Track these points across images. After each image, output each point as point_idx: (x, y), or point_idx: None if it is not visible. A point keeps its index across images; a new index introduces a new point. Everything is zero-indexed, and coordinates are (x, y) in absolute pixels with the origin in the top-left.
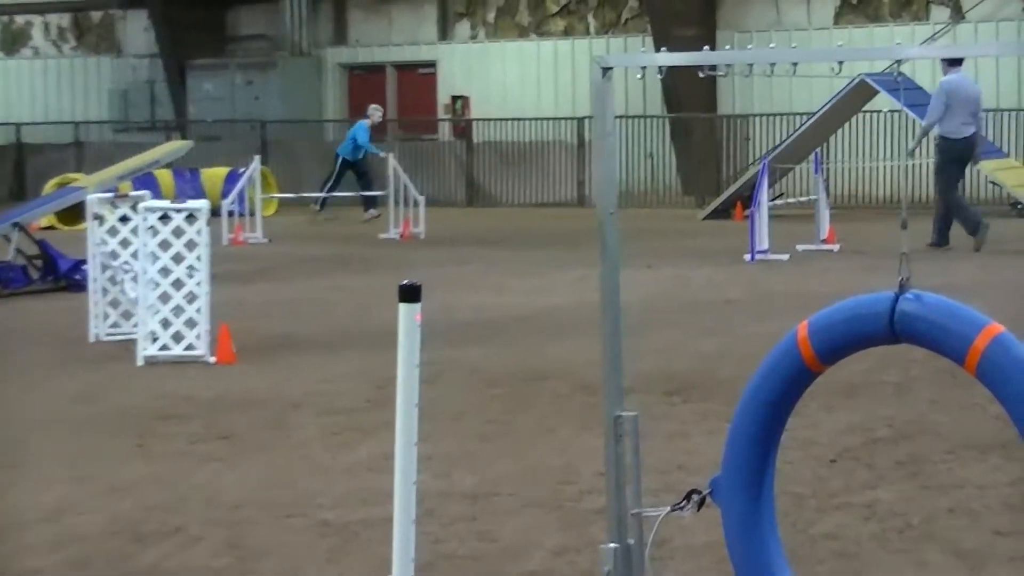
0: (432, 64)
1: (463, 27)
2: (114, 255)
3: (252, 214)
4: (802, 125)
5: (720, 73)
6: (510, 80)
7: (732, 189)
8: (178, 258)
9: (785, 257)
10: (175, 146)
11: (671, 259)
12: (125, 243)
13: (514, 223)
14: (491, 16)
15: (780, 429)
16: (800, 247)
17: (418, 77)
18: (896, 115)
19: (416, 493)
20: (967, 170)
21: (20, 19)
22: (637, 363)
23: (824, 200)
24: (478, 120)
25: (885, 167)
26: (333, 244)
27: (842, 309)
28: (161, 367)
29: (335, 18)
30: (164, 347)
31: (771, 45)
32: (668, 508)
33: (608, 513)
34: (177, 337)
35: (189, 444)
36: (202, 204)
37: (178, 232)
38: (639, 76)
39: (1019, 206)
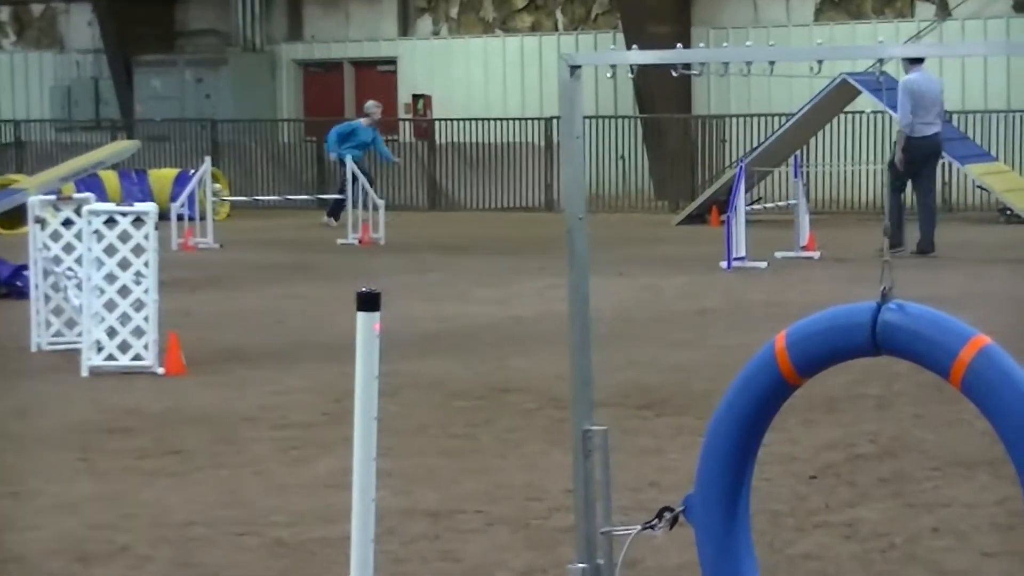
0: (392, 61)
1: (425, 23)
2: (57, 260)
3: (203, 218)
4: (781, 127)
5: (694, 72)
6: (474, 78)
7: (708, 193)
8: (124, 264)
9: (763, 265)
10: (121, 146)
11: (644, 267)
12: (68, 248)
13: (479, 229)
14: (454, 11)
15: (757, 444)
16: (779, 254)
17: (377, 75)
18: (879, 116)
19: (376, 511)
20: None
21: None
22: (608, 376)
23: (804, 205)
24: (441, 120)
25: (868, 171)
26: (288, 250)
27: (822, 319)
28: (107, 378)
29: (289, 12)
30: (110, 357)
31: (747, 43)
32: (639, 527)
33: (577, 532)
34: (124, 347)
35: (137, 459)
36: (150, 207)
37: (124, 236)
38: (609, 75)
39: (1008, 212)
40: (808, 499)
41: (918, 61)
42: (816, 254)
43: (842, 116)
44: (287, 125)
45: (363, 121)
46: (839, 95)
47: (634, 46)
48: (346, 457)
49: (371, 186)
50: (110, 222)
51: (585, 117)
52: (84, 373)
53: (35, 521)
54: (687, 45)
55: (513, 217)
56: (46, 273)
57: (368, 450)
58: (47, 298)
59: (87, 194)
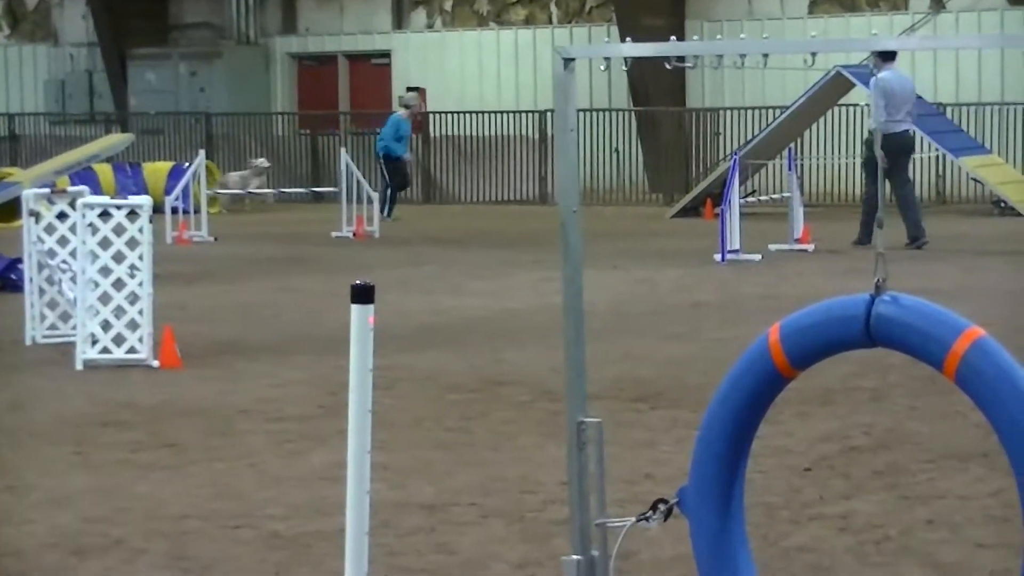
0: (386, 54)
1: (419, 16)
2: (51, 254)
3: (197, 211)
4: (775, 119)
5: (688, 65)
6: (468, 71)
7: (702, 186)
8: (119, 257)
9: (757, 258)
10: (115, 139)
11: (638, 260)
12: (63, 241)
13: (473, 222)
14: (448, 4)
15: (751, 437)
16: (773, 247)
17: (371, 68)
18: None
19: (370, 503)
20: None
21: None
22: (602, 368)
23: (798, 198)
24: (435, 113)
25: (862, 163)
26: (283, 244)
27: (815, 312)
28: (101, 372)
29: (284, 5)
30: (104, 350)
31: (741, 36)
32: (633, 519)
33: (571, 524)
34: (118, 340)
35: (131, 453)
36: (144, 200)
37: (119, 230)
38: (603, 68)
39: (1002, 204)
40: (803, 491)
41: (890, 58)
42: (810, 247)
43: (836, 109)
44: (281, 118)
45: (402, 113)
46: (833, 88)
47: (628, 39)
48: (341, 450)
49: (407, 183)
50: (104, 215)
51: (579, 110)
52: (78, 366)
53: (30, 515)
54: (681, 38)
55: (507, 210)
56: (40, 266)
57: (363, 443)
58: (41, 291)
59: (81, 187)
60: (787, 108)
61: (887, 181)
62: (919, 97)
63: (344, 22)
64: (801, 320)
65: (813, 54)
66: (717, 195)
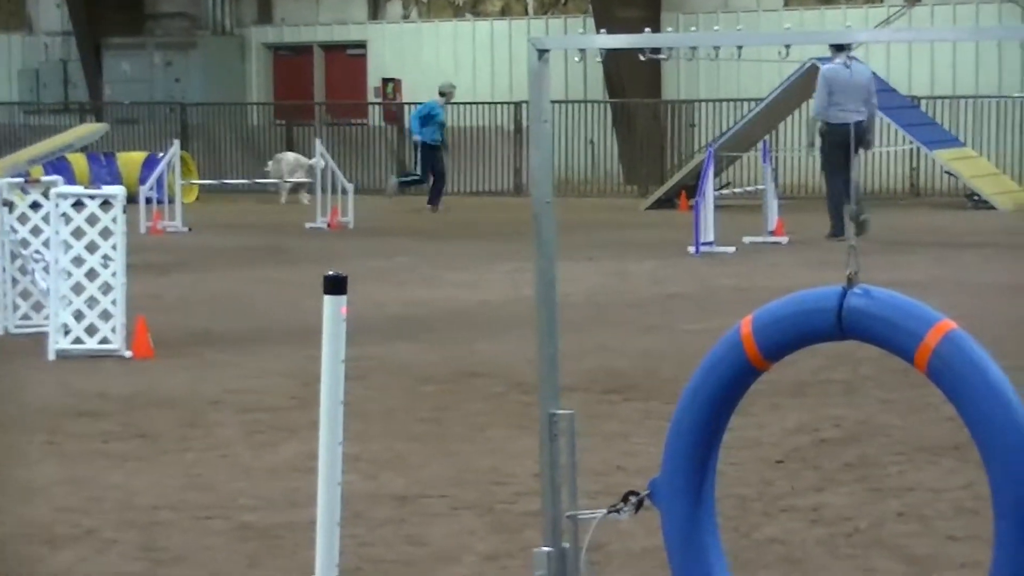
0: (362, 45)
1: (395, 6)
2: (24, 243)
3: (171, 201)
4: (750, 112)
5: (662, 56)
6: (444, 62)
7: (676, 178)
8: (92, 247)
9: (731, 250)
10: (90, 129)
11: (612, 251)
12: (36, 231)
13: (447, 213)
14: None
15: (722, 429)
16: (747, 239)
17: (347, 59)
18: None
19: (342, 495)
20: (862, 157)
21: None
22: (576, 360)
23: (772, 190)
24: (410, 104)
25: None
26: (257, 234)
27: (787, 304)
28: (74, 362)
29: None
30: (77, 340)
31: (715, 28)
32: (604, 511)
33: (542, 516)
34: (91, 330)
35: (103, 443)
36: (118, 190)
37: (92, 219)
38: (577, 59)
39: (976, 198)
40: (774, 483)
41: (843, 49)
42: (784, 239)
43: (811, 101)
44: (256, 108)
45: (439, 100)
46: (808, 80)
47: (603, 30)
48: (313, 441)
49: (425, 175)
50: (78, 205)
51: (554, 101)
52: (51, 356)
53: (2, 505)
54: (657, 30)
55: (482, 201)
56: (13, 256)
57: (334, 434)
58: (14, 281)
59: (55, 177)
60: (762, 100)
61: (832, 169)
62: (892, 90)
63: (320, 12)
64: (773, 312)
65: (787, 46)
66: (692, 187)
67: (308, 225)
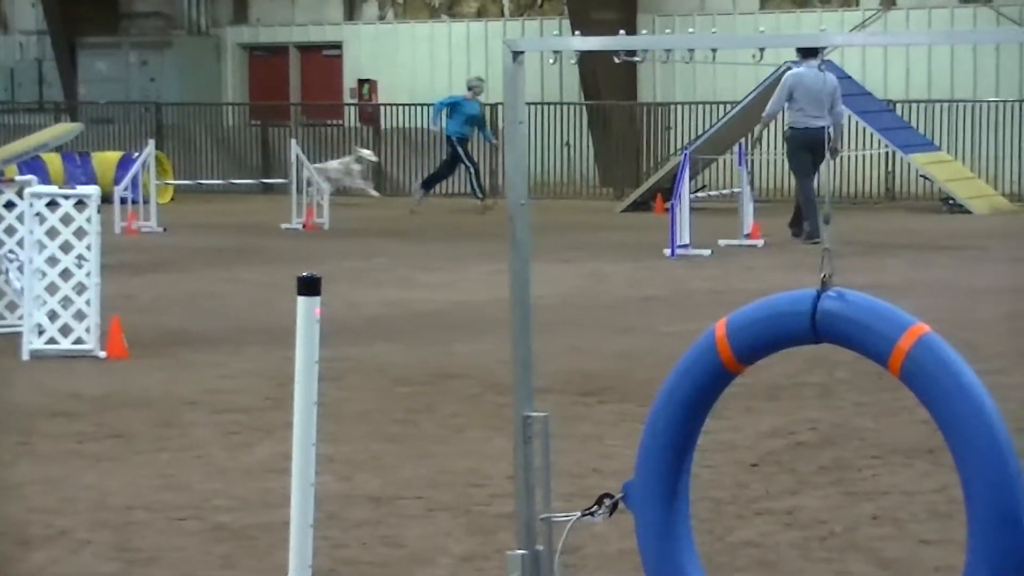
0: (338, 46)
1: (371, 7)
2: None
3: (146, 201)
4: (726, 115)
5: (637, 59)
6: (420, 64)
7: (652, 181)
8: (67, 247)
9: (707, 252)
10: (64, 129)
11: (588, 254)
12: (10, 230)
13: (423, 214)
14: None
15: (696, 432)
16: (723, 242)
17: (323, 59)
18: None
19: (317, 496)
20: (827, 162)
21: None
22: (551, 362)
23: (748, 193)
24: (386, 105)
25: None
26: (232, 235)
27: (762, 307)
28: (48, 362)
29: None
30: (51, 341)
31: (690, 30)
32: (579, 513)
33: (516, 518)
34: (65, 330)
35: (77, 443)
36: (93, 190)
37: (67, 219)
38: (552, 61)
39: (951, 201)
40: (749, 487)
41: (812, 55)
42: (760, 242)
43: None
44: (232, 109)
45: (466, 95)
46: None
47: (577, 32)
48: (288, 442)
49: (476, 169)
50: (52, 205)
51: (530, 103)
52: (25, 356)
53: None
54: (632, 32)
55: (458, 203)
56: None
57: (308, 435)
58: None
59: (29, 176)
60: (738, 103)
61: (800, 173)
62: (867, 93)
63: (296, 13)
64: (747, 315)
65: (761, 49)
66: (667, 190)
67: (283, 226)
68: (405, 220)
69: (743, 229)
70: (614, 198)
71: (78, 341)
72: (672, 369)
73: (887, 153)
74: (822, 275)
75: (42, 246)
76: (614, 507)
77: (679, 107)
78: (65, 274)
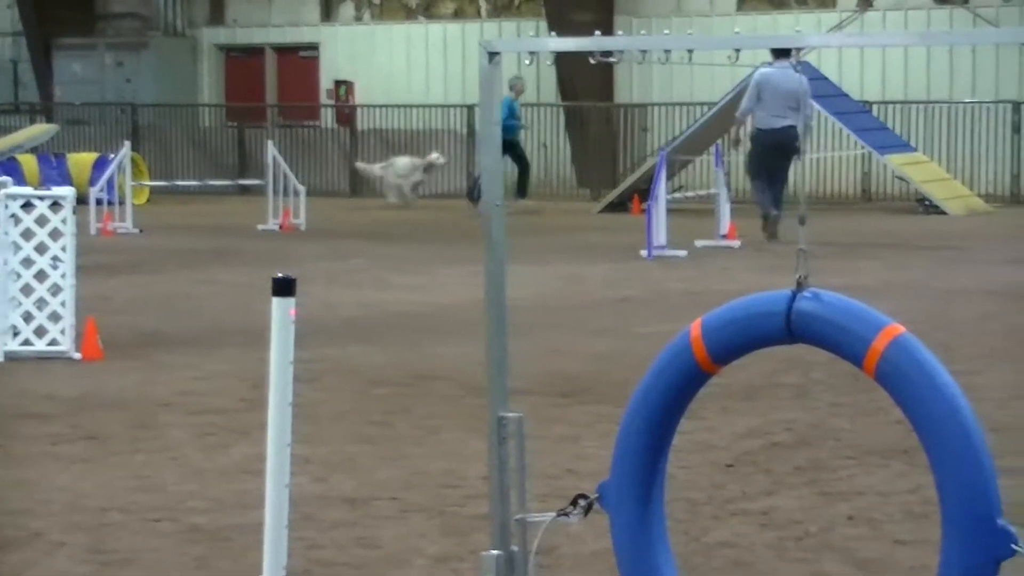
0: (314, 47)
1: (347, 8)
2: None
3: (122, 203)
4: (703, 116)
5: (613, 60)
6: (397, 65)
7: (629, 182)
8: (42, 248)
9: (683, 253)
10: (40, 130)
11: (565, 255)
12: None
13: (400, 215)
14: None
15: (671, 432)
16: (699, 243)
17: (299, 60)
18: None
19: (292, 497)
20: (798, 163)
21: None
22: (528, 363)
23: (725, 194)
24: (363, 106)
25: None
26: (208, 236)
27: (737, 307)
28: (23, 363)
29: None
30: (26, 342)
31: (665, 31)
32: (553, 514)
33: (491, 519)
34: (40, 332)
35: (52, 445)
36: (68, 191)
37: (42, 220)
38: (528, 62)
39: (926, 203)
40: (725, 487)
41: (783, 55)
42: (736, 243)
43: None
44: (208, 110)
45: (510, 95)
46: None
47: (553, 33)
48: (263, 443)
49: (527, 167)
50: (27, 206)
51: None
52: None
53: None
54: (609, 33)
55: (435, 204)
56: None
57: (283, 436)
58: None
59: (4, 178)
60: (715, 105)
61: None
62: (844, 94)
63: (272, 14)
64: (722, 316)
65: (737, 50)
66: (644, 191)
67: (260, 227)
68: (381, 222)
69: (720, 230)
70: (591, 199)
71: (53, 343)
72: (647, 370)
73: (863, 154)
74: (797, 276)
75: (17, 247)
76: (589, 508)
77: (656, 108)
78: (40, 275)
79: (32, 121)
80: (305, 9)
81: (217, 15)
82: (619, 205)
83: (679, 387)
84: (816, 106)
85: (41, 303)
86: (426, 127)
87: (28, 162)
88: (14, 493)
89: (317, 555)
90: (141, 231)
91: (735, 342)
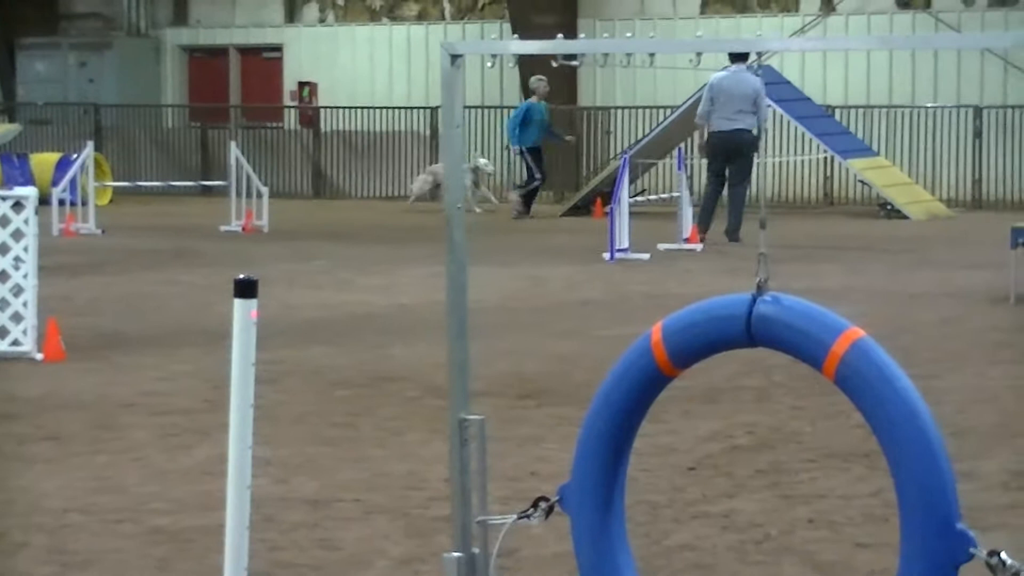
0: (278, 48)
1: (311, 9)
2: None
3: (84, 203)
4: (666, 119)
5: (574, 63)
6: (360, 66)
7: (592, 185)
8: (3, 248)
9: (646, 257)
10: (3, 130)
11: (527, 257)
12: None
13: (363, 217)
14: None
15: (632, 435)
16: (661, 246)
17: (263, 61)
18: None
19: (253, 498)
20: (752, 163)
21: None
22: (490, 365)
23: (687, 198)
24: (326, 108)
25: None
26: (171, 237)
27: (697, 311)
28: None
29: None
30: None
31: (627, 34)
32: (515, 516)
33: (453, 521)
34: (2, 332)
35: (14, 445)
36: (30, 191)
37: (4, 221)
38: (490, 65)
39: (888, 207)
40: (686, 490)
41: (741, 58)
42: (698, 246)
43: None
44: (171, 111)
45: (533, 99)
46: None
47: (516, 36)
48: (225, 444)
49: (543, 175)
50: None
51: (470, 107)
52: None
53: None
54: (573, 36)
55: (398, 206)
56: None
57: (244, 437)
58: None
59: None
60: (678, 108)
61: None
62: (807, 99)
63: (236, 15)
64: (683, 319)
65: (699, 54)
66: (607, 194)
67: (223, 228)
68: (344, 223)
69: (682, 233)
70: (554, 202)
71: (15, 343)
72: (609, 373)
73: (825, 158)
74: (758, 279)
75: None
76: (550, 510)
77: (619, 111)
78: (2, 276)
79: None
80: (269, 10)
81: (181, 16)
82: (582, 208)
83: (640, 390)
84: (778, 109)
85: (3, 304)
86: (389, 129)
87: None
88: None
89: (279, 557)
90: (104, 232)
91: (695, 346)
